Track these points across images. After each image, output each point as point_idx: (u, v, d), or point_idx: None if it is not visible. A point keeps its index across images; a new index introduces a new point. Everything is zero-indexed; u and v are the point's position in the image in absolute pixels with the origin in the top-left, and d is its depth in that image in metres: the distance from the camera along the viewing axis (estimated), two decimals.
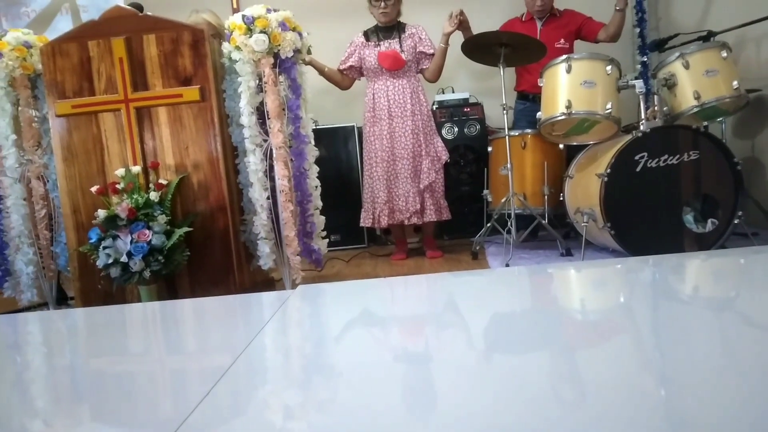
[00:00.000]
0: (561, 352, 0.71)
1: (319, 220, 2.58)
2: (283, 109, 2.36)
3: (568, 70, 2.77)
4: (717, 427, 0.44)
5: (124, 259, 2.08)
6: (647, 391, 0.54)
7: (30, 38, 2.48)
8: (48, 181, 2.51)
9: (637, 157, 2.56)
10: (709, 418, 0.45)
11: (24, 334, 1.15)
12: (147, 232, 2.10)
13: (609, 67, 2.74)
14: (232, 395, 0.64)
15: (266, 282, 2.69)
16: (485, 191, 3.31)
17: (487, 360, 0.71)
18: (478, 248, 3.22)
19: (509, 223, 2.93)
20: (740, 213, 2.55)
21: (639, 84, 2.70)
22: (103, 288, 2.27)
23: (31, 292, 2.47)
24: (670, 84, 2.75)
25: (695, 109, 2.67)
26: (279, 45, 2.29)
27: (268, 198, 2.30)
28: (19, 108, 2.47)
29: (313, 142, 2.55)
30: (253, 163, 2.28)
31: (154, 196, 2.18)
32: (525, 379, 0.60)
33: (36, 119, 2.50)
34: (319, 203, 2.59)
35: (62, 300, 2.69)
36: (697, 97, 2.65)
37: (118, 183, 2.21)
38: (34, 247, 2.46)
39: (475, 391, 0.58)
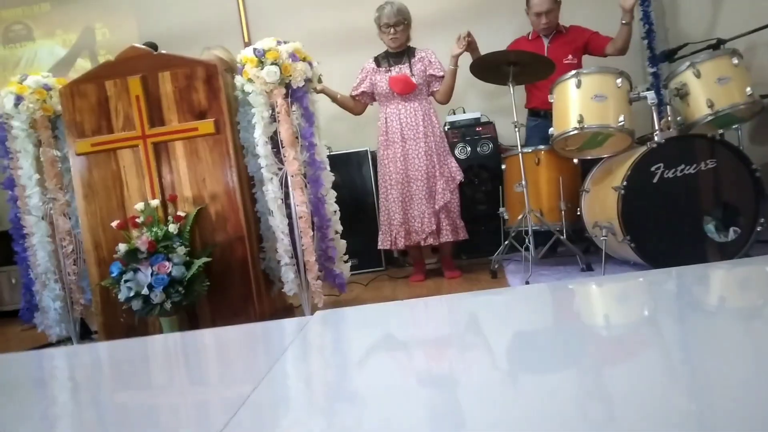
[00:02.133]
0: (587, 369, 0.70)
1: (340, 245, 2.59)
2: (297, 138, 2.39)
3: (578, 85, 2.77)
4: None
5: (145, 291, 2.10)
6: (677, 407, 0.53)
7: (49, 81, 2.56)
8: (71, 218, 2.56)
9: (653, 168, 2.53)
10: (739, 427, 0.44)
11: (50, 369, 1.16)
12: (167, 263, 2.12)
13: (619, 80, 2.74)
14: (254, 423, 0.64)
15: (286, 309, 2.69)
16: (501, 209, 3.30)
17: (512, 380, 0.70)
18: (497, 267, 3.20)
19: (527, 240, 2.91)
20: (762, 220, 2.50)
21: (650, 95, 2.69)
22: (125, 321, 2.29)
23: (60, 327, 2.51)
24: (683, 93, 2.73)
25: (709, 118, 2.65)
26: (290, 75, 2.34)
27: (288, 225, 2.32)
28: (41, 149, 2.53)
29: (328, 168, 2.58)
30: (271, 191, 2.31)
31: (173, 228, 2.21)
32: (551, 399, 0.59)
33: (57, 158, 2.57)
34: (339, 227, 2.61)
35: (86, 334, 2.72)
36: (711, 105, 2.63)
37: (138, 217, 2.24)
38: (60, 283, 2.50)
39: (501, 412, 0.58)
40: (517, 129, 2.99)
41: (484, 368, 0.75)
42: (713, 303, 0.99)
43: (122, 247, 2.18)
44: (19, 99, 2.47)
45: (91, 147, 2.36)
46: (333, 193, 2.59)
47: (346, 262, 2.62)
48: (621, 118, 2.69)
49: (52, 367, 1.19)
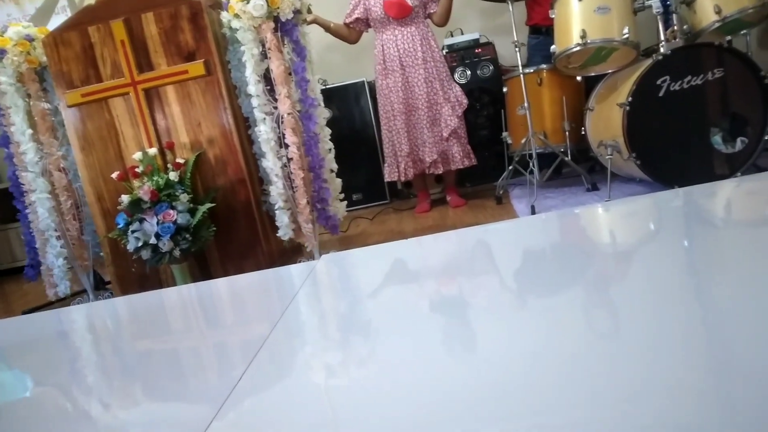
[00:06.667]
0: (594, 288, 0.71)
1: (336, 183, 2.56)
2: (290, 74, 2.32)
3: None
4: (761, 353, 0.43)
5: (152, 240, 2.12)
6: (686, 319, 0.53)
7: (31, 31, 2.46)
8: (69, 171, 2.54)
9: (659, 82, 2.46)
10: (752, 344, 0.44)
11: (69, 323, 1.19)
12: (171, 212, 2.12)
13: None
14: (275, 361, 0.66)
15: (294, 249, 2.71)
16: (504, 133, 3.25)
17: (521, 302, 0.71)
18: (501, 192, 3.19)
19: (531, 164, 2.88)
20: None
21: (656, 4, 2.57)
22: (137, 270, 2.33)
23: (65, 284, 2.52)
24: (689, 0, 2.61)
25: (717, 24, 2.54)
26: (278, 7, 2.23)
27: (283, 166, 2.29)
28: (31, 102, 2.47)
29: (322, 104, 2.51)
30: (264, 132, 2.26)
31: (173, 175, 2.19)
32: (560, 316, 0.60)
33: (49, 111, 2.51)
34: (334, 166, 2.57)
35: (100, 286, 2.76)
36: (718, 11, 2.52)
37: (137, 167, 2.22)
38: (62, 240, 2.50)
39: (512, 331, 0.59)
40: (517, 49, 2.90)
41: (493, 295, 0.76)
42: (722, 222, 0.98)
43: (125, 198, 2.17)
44: (2, 53, 2.39)
45: (81, 98, 2.31)
46: (327, 131, 2.53)
47: (342, 200, 2.60)
48: (625, 31, 2.59)
49: (72, 321, 1.22)
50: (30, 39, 2.44)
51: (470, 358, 0.56)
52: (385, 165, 3.45)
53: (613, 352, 0.49)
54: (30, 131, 2.46)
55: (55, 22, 4.29)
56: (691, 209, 1.07)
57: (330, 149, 2.53)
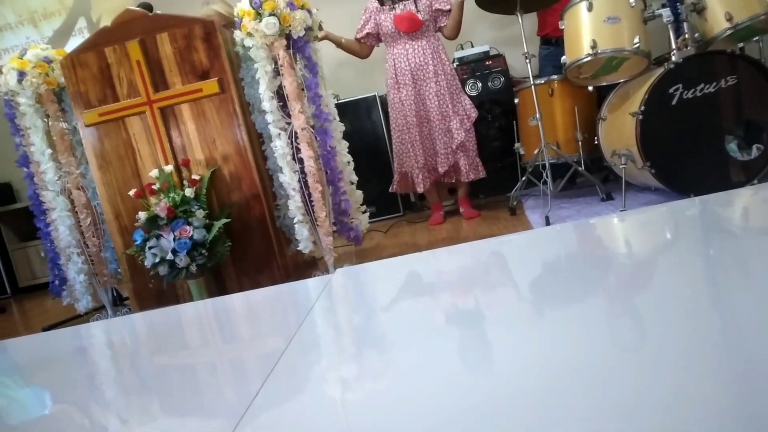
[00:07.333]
0: (611, 300, 0.70)
1: (356, 195, 2.57)
2: (303, 90, 2.34)
3: (590, 8, 2.65)
4: None
5: (169, 256, 2.14)
6: (704, 329, 0.53)
7: (49, 53, 2.52)
8: (88, 190, 2.58)
9: (671, 90, 2.45)
10: None
11: (88, 339, 1.20)
12: (188, 228, 2.14)
13: None
14: (292, 375, 0.66)
15: (310, 262, 2.72)
16: (516, 144, 3.25)
17: (537, 314, 0.71)
18: (515, 203, 3.18)
19: (544, 174, 2.87)
20: None
21: (666, 12, 2.57)
22: (154, 286, 2.35)
23: (86, 299, 2.56)
24: (699, 8, 2.60)
25: (728, 32, 2.53)
26: (290, 25, 2.27)
27: (299, 181, 2.31)
28: (50, 122, 2.53)
29: (337, 118, 2.54)
30: (279, 148, 2.29)
31: (189, 192, 2.22)
32: (576, 329, 0.60)
33: (67, 131, 2.56)
34: (354, 178, 2.58)
35: (118, 302, 2.79)
36: (729, 19, 2.51)
37: (154, 184, 2.25)
38: (83, 256, 2.55)
39: (528, 343, 0.59)
40: (528, 60, 2.90)
41: (509, 307, 0.76)
42: (740, 231, 0.97)
43: (142, 215, 2.20)
44: (21, 75, 2.45)
45: (99, 117, 2.35)
46: (345, 144, 2.55)
47: (364, 212, 2.61)
48: (636, 40, 2.58)
49: (91, 337, 1.23)
50: (48, 61, 2.50)
51: (485, 371, 0.55)
52: (395, 177, 3.46)
53: (630, 363, 0.49)
54: (49, 151, 2.51)
55: (73, 43, 4.39)
56: (708, 218, 1.06)
57: (349, 162, 2.55)
